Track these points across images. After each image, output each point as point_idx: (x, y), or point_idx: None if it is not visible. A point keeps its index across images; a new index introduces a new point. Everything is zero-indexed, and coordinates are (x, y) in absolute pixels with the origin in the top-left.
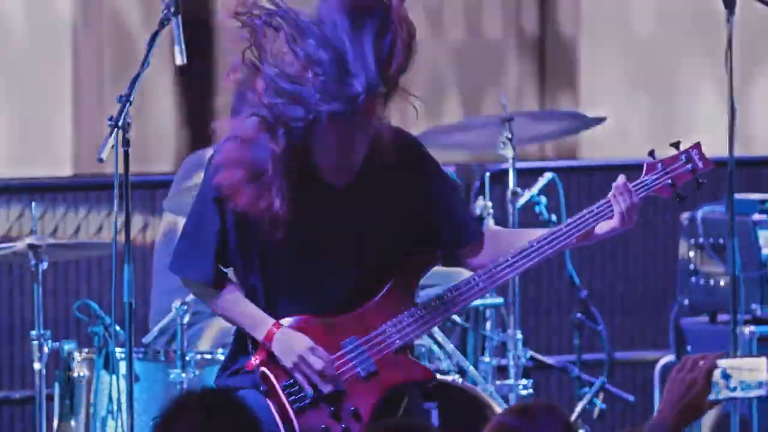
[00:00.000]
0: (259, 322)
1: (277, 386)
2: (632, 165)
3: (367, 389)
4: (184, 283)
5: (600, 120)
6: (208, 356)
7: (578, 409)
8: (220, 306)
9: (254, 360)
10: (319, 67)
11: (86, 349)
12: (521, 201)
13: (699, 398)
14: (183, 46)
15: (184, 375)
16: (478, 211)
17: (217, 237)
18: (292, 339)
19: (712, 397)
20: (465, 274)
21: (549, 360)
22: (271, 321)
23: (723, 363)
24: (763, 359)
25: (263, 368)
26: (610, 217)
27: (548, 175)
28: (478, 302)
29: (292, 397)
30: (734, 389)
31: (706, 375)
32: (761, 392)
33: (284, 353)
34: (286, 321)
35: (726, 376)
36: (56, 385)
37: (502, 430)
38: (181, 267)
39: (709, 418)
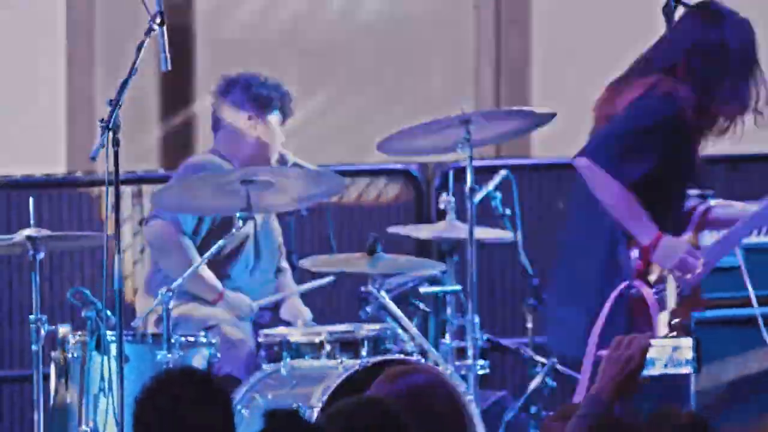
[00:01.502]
0: (648, 225)
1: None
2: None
3: (683, 308)
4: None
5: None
6: (191, 339)
7: (531, 387)
8: (616, 193)
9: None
10: None
11: (80, 332)
12: (478, 196)
13: (634, 373)
14: (167, 54)
15: (169, 356)
16: (441, 206)
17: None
18: (678, 242)
19: (646, 372)
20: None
21: (504, 342)
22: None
23: (655, 342)
24: (689, 339)
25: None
26: None
27: (503, 173)
28: (438, 289)
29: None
30: (666, 365)
31: (641, 352)
32: (689, 369)
33: (668, 255)
34: None
35: (659, 354)
36: (52, 365)
37: None
38: (614, 161)
39: None
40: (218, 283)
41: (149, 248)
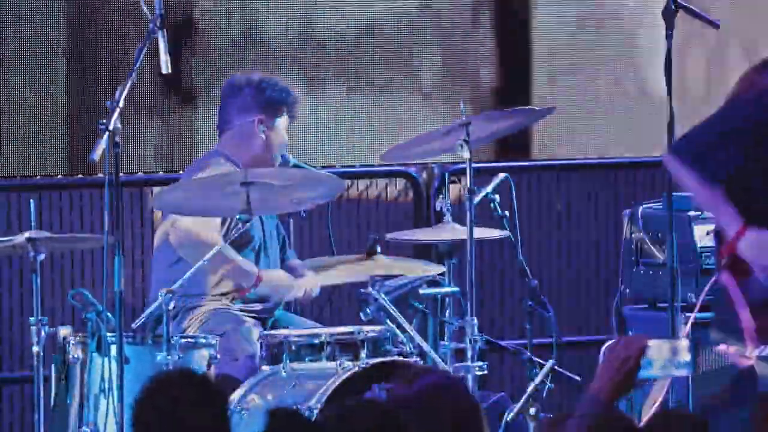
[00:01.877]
0: (731, 219)
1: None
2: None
3: None
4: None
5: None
6: (191, 340)
7: (530, 388)
8: (695, 189)
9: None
10: None
11: (80, 334)
12: (477, 198)
13: (630, 374)
14: (168, 57)
15: (169, 357)
16: (438, 207)
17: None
18: (764, 238)
19: (644, 373)
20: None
21: (503, 344)
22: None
23: (652, 343)
24: (685, 341)
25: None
26: None
27: (501, 175)
28: (437, 291)
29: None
30: (664, 367)
31: (638, 353)
32: (686, 371)
33: (751, 249)
34: None
35: (657, 355)
36: (53, 367)
37: None
38: (699, 159)
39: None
40: (254, 267)
41: (179, 249)
